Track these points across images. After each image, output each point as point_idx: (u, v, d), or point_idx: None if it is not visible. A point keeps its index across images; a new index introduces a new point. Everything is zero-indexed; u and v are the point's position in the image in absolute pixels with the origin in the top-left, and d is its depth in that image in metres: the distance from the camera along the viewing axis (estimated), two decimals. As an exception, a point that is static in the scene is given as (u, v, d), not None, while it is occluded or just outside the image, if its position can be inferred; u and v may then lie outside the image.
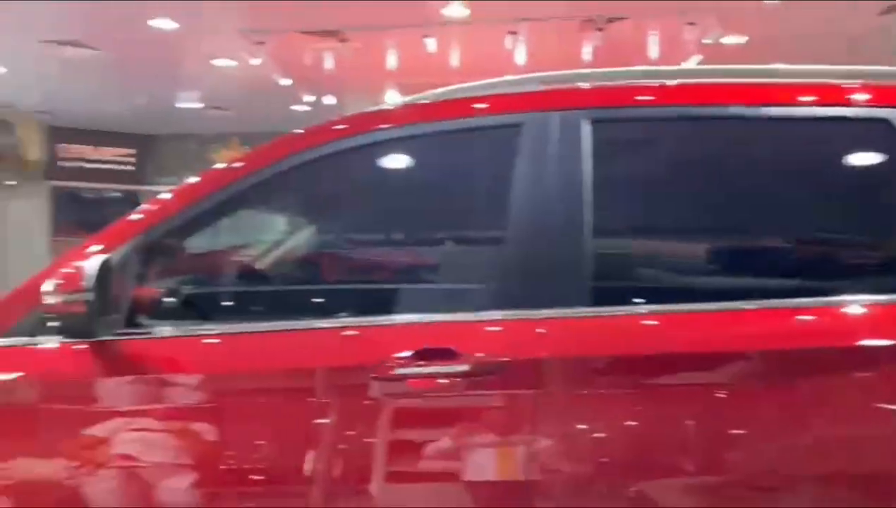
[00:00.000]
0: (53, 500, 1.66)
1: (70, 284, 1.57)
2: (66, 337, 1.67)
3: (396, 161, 1.99)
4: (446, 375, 1.57)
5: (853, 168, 1.80)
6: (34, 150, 10.96)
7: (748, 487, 1.52)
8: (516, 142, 1.73)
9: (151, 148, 12.26)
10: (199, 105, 10.01)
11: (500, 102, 1.86)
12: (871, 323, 1.56)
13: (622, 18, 6.02)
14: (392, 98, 7.16)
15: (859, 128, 1.73)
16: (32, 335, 1.70)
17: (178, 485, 1.62)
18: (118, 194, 11.61)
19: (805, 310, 1.59)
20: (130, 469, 1.65)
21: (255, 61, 7.10)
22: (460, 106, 1.88)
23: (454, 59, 6.88)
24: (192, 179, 1.89)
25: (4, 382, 1.71)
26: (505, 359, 1.57)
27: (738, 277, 1.76)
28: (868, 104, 1.71)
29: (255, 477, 1.63)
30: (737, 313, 1.60)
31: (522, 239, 1.67)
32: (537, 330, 1.59)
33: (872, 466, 1.50)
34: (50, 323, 1.67)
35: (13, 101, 9.67)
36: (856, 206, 1.73)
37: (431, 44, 6.61)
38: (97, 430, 1.66)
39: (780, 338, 1.56)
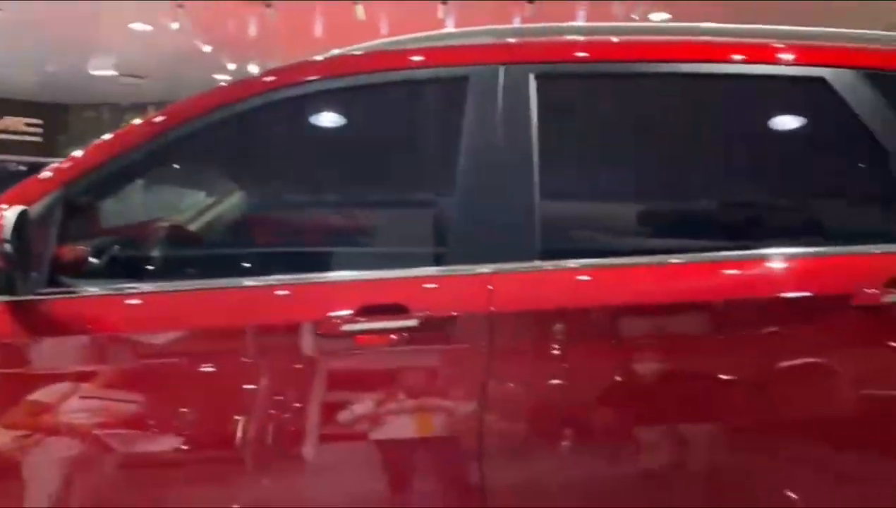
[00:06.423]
0: None
1: None
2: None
3: (333, 115, 1.91)
4: (396, 330, 1.53)
5: (788, 127, 1.84)
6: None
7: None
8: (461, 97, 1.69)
9: (61, 118, 11.63)
10: (114, 72, 9.55)
11: (442, 55, 1.81)
12: (799, 276, 1.60)
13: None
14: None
15: (796, 86, 1.76)
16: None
17: (100, 450, 1.54)
18: (23, 167, 10.93)
19: (734, 264, 1.62)
20: (51, 432, 1.56)
21: (175, 26, 6.80)
22: (399, 58, 1.83)
23: (384, 28, 6.76)
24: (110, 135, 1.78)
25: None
26: (455, 314, 1.54)
27: (680, 235, 1.77)
28: (804, 63, 1.74)
29: (183, 443, 1.56)
30: (673, 267, 1.61)
31: (468, 197, 1.64)
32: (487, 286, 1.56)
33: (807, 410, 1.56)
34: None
35: None
36: (794, 165, 1.77)
37: (361, 11, 6.46)
38: (18, 392, 1.55)
39: (712, 291, 1.59)
